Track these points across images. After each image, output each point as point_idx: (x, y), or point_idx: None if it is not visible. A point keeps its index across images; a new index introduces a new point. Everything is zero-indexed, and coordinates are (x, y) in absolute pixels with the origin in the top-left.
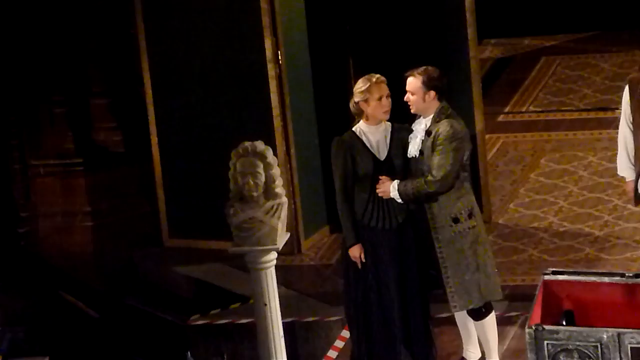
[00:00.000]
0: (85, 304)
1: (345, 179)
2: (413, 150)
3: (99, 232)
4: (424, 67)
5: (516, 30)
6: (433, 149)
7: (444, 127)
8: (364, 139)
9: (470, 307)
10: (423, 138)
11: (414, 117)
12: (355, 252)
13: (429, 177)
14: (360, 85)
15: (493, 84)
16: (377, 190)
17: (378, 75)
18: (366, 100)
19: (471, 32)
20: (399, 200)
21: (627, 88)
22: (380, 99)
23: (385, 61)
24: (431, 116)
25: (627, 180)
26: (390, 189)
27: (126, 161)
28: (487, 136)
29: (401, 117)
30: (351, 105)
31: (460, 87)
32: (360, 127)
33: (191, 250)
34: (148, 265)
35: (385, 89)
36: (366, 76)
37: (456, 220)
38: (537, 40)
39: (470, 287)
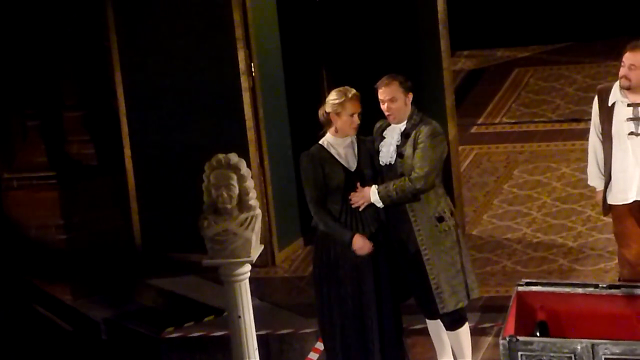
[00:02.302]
0: (58, 318)
1: (318, 190)
2: (387, 157)
3: (73, 245)
4: (391, 74)
5: (489, 42)
6: (414, 149)
7: (423, 126)
8: (332, 151)
9: (459, 306)
10: (399, 143)
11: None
12: (360, 241)
13: (414, 174)
14: (334, 97)
15: (466, 95)
16: (353, 199)
17: (354, 91)
18: (338, 114)
19: (444, 44)
20: (380, 205)
21: (596, 98)
22: (352, 115)
23: (359, 73)
24: (405, 122)
25: (597, 190)
26: (371, 194)
27: (99, 174)
28: (460, 147)
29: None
30: (320, 114)
31: (434, 99)
32: (327, 139)
33: (165, 263)
34: (122, 279)
35: (358, 107)
36: (342, 89)
37: (440, 219)
38: (510, 52)
39: (458, 286)
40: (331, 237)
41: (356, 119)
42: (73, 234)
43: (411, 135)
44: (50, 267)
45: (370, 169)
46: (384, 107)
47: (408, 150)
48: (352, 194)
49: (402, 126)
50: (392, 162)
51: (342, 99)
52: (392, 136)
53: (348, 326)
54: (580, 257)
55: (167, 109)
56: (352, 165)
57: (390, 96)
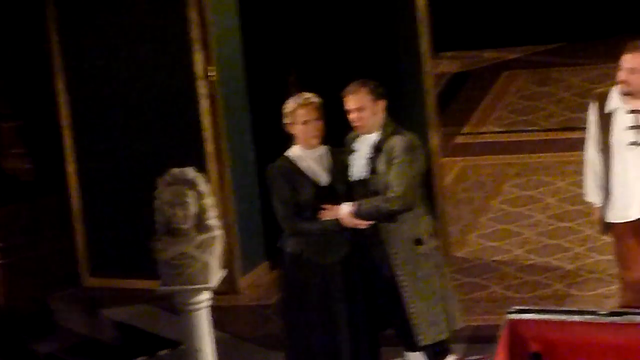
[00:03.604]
0: None
1: (289, 205)
2: (358, 171)
3: (9, 271)
4: (359, 80)
5: (475, 43)
6: (388, 164)
7: (397, 139)
8: (300, 164)
9: (438, 339)
10: (371, 156)
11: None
12: (350, 218)
13: (390, 194)
14: (286, 106)
15: (450, 101)
16: (323, 218)
17: (308, 96)
18: (292, 123)
19: (425, 44)
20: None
21: (592, 104)
22: (305, 122)
23: (330, 77)
24: (377, 132)
25: (595, 206)
26: (342, 213)
27: (39, 192)
28: (443, 160)
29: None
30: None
31: (413, 105)
32: (294, 151)
33: (114, 291)
34: (65, 308)
35: (312, 113)
36: (296, 96)
37: (418, 242)
38: (498, 53)
39: (437, 317)
40: (303, 257)
41: (312, 128)
42: (9, 259)
43: (384, 149)
44: None
45: (343, 184)
46: (351, 117)
47: (381, 165)
48: (321, 212)
49: (374, 137)
50: (364, 178)
51: (294, 107)
52: (362, 149)
53: (319, 359)
54: (578, 281)
55: (115, 119)
56: (323, 179)
57: (358, 105)
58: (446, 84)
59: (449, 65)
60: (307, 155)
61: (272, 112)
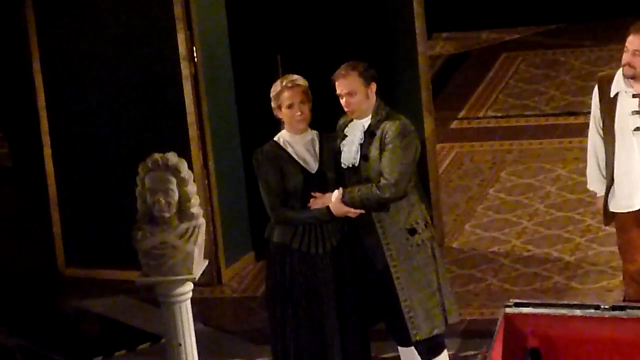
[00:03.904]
0: None
1: (279, 192)
2: (350, 158)
3: None
4: (350, 63)
5: (472, 23)
6: (381, 150)
7: (390, 123)
8: (289, 149)
9: (434, 333)
10: (362, 142)
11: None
12: (340, 205)
13: (382, 181)
14: (272, 89)
15: (445, 84)
16: (312, 207)
17: (293, 78)
18: (278, 107)
19: (419, 24)
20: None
21: (596, 88)
22: (290, 106)
23: (319, 58)
24: (369, 116)
25: (597, 195)
26: (332, 201)
27: (14, 177)
28: (438, 146)
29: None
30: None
31: (407, 89)
32: (283, 136)
33: (92, 281)
34: (40, 299)
35: (298, 96)
36: (282, 78)
37: (412, 232)
38: (497, 34)
39: (433, 310)
40: (291, 247)
41: (296, 111)
42: None
43: (376, 134)
44: None
45: (333, 172)
46: (342, 101)
47: (373, 151)
48: (311, 200)
49: (366, 122)
50: (356, 165)
51: (277, 90)
52: (354, 134)
53: (306, 354)
54: (579, 274)
55: (94, 101)
56: (313, 166)
57: (348, 89)
58: (441, 66)
59: (444, 46)
60: (295, 140)
61: (259, 95)
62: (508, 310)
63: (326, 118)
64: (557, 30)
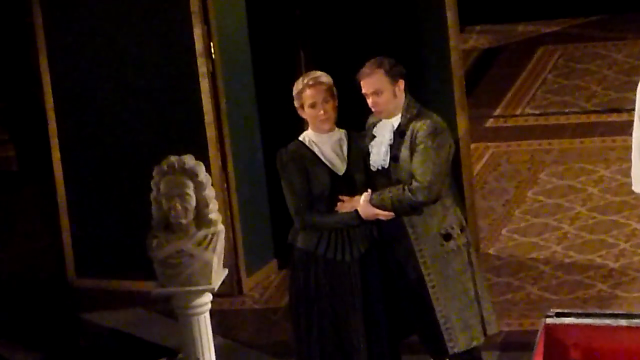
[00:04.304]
0: None
1: (305, 194)
2: (379, 159)
3: None
4: (375, 59)
5: (507, 15)
6: (412, 151)
7: (421, 122)
8: (315, 150)
9: (473, 344)
10: (392, 142)
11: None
12: (369, 208)
13: (414, 184)
14: (294, 87)
15: (479, 80)
16: (341, 211)
17: (316, 75)
18: (301, 106)
19: (451, 16)
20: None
21: None
22: (313, 105)
23: (344, 54)
24: (399, 115)
25: None
26: (361, 205)
27: (21, 182)
28: (472, 146)
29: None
30: None
31: (439, 85)
32: (308, 135)
33: (104, 293)
34: (50, 312)
35: (321, 94)
36: (304, 75)
37: (447, 237)
38: (534, 26)
39: (472, 320)
40: (316, 254)
41: (319, 110)
42: None
43: (407, 134)
44: None
45: (362, 174)
46: (369, 101)
47: (404, 152)
48: (338, 204)
49: (395, 122)
50: (385, 166)
51: (299, 88)
52: (383, 134)
53: None
54: (624, 281)
55: (105, 101)
56: (340, 167)
57: (374, 88)
58: (475, 61)
59: (478, 40)
60: (322, 140)
61: (281, 92)
62: (549, 320)
63: (355, 116)
64: (598, 22)
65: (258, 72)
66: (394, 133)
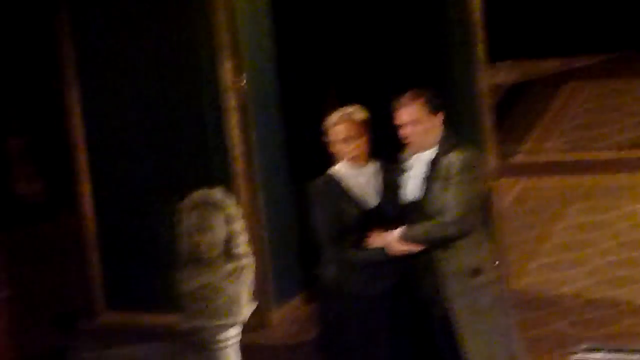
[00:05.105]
0: None
1: (332, 227)
2: (411, 193)
3: (15, 305)
4: (414, 91)
5: (536, 50)
6: (445, 184)
7: (455, 156)
8: (344, 184)
9: None
10: (426, 176)
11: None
12: (400, 245)
13: (447, 218)
14: (326, 122)
15: (508, 115)
16: (370, 247)
17: (349, 110)
18: (332, 142)
19: (480, 51)
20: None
21: None
22: (346, 140)
23: (375, 88)
24: (433, 149)
25: None
26: (393, 240)
27: (49, 215)
28: (501, 180)
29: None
30: None
31: (467, 119)
32: (339, 169)
33: (133, 326)
34: (79, 346)
35: (354, 129)
36: (337, 110)
37: (477, 272)
38: (562, 62)
39: (500, 356)
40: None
41: (352, 145)
42: (15, 291)
43: (440, 167)
44: None
45: (394, 206)
46: (402, 132)
47: (437, 185)
48: (368, 238)
49: (430, 155)
50: (418, 200)
51: (332, 123)
52: (417, 167)
53: None
54: None
55: (134, 134)
56: (371, 201)
57: (412, 118)
58: (503, 96)
59: (506, 75)
60: (353, 173)
61: (309, 126)
62: (577, 356)
63: (386, 151)
64: (625, 57)
65: (287, 107)
66: (428, 166)
